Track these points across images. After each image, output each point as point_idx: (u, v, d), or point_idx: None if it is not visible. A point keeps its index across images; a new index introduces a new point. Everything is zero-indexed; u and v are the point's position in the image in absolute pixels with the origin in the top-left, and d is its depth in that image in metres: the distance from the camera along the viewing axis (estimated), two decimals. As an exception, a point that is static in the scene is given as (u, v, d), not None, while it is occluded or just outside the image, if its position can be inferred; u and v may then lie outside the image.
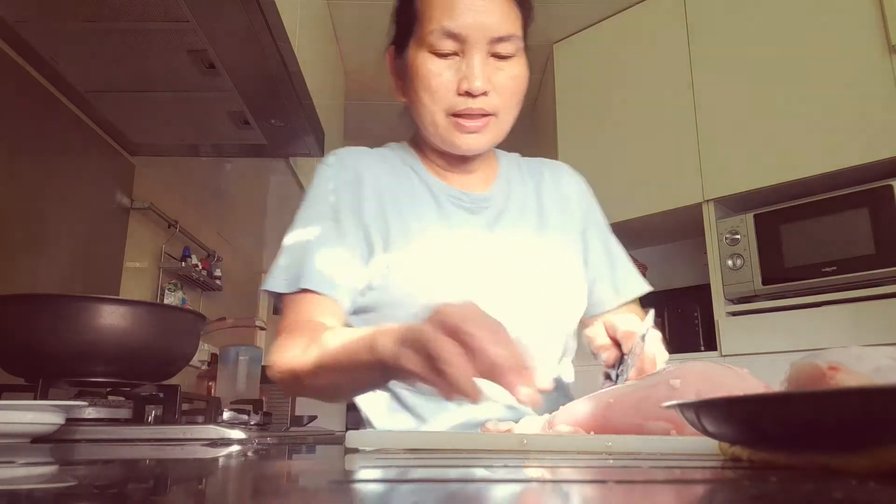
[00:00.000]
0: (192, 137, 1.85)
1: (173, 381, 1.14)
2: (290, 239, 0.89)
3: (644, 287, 1.01)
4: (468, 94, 0.82)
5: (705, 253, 2.16)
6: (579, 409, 0.60)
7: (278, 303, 0.88)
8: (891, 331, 1.71)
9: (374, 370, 0.62)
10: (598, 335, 0.76)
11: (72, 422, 0.88)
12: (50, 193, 1.57)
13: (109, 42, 1.36)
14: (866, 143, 1.86)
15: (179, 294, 2.26)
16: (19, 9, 1.26)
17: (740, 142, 2.13)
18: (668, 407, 0.36)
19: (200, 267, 2.44)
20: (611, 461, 0.40)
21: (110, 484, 0.34)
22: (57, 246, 1.59)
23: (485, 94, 0.82)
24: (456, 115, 0.84)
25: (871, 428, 0.26)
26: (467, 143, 0.86)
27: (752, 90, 2.12)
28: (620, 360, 0.75)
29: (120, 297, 1.82)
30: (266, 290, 0.87)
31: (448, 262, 0.86)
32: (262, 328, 2.01)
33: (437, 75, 0.83)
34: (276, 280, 0.86)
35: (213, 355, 2.25)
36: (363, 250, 0.88)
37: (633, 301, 1.00)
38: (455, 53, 0.83)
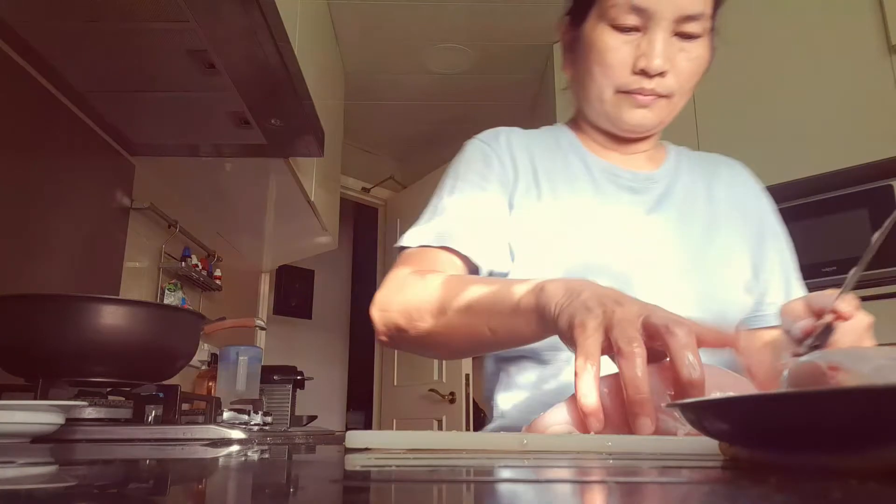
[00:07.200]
0: (192, 137, 1.85)
1: (173, 381, 1.14)
2: (432, 203, 0.85)
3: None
4: (644, 72, 0.77)
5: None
6: (571, 408, 0.59)
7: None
8: (891, 331, 1.71)
9: (528, 317, 0.59)
10: (795, 311, 0.63)
11: (72, 422, 0.88)
12: (50, 193, 1.57)
13: (109, 42, 1.36)
14: (866, 143, 1.86)
15: (179, 294, 2.26)
16: (19, 9, 1.26)
17: (740, 142, 2.13)
18: (669, 407, 0.36)
19: (200, 267, 2.44)
20: (611, 461, 0.40)
21: (110, 484, 0.34)
22: (57, 246, 1.59)
23: (661, 74, 0.77)
24: (626, 92, 0.79)
25: (871, 428, 0.25)
26: (634, 118, 0.80)
27: (751, 90, 2.12)
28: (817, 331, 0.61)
29: (120, 297, 1.82)
30: (398, 246, 0.82)
31: (597, 239, 0.81)
32: (262, 328, 2.01)
33: (615, 50, 0.77)
34: (410, 236, 0.81)
35: (213, 355, 2.25)
36: (505, 219, 0.83)
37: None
38: (636, 29, 0.77)
